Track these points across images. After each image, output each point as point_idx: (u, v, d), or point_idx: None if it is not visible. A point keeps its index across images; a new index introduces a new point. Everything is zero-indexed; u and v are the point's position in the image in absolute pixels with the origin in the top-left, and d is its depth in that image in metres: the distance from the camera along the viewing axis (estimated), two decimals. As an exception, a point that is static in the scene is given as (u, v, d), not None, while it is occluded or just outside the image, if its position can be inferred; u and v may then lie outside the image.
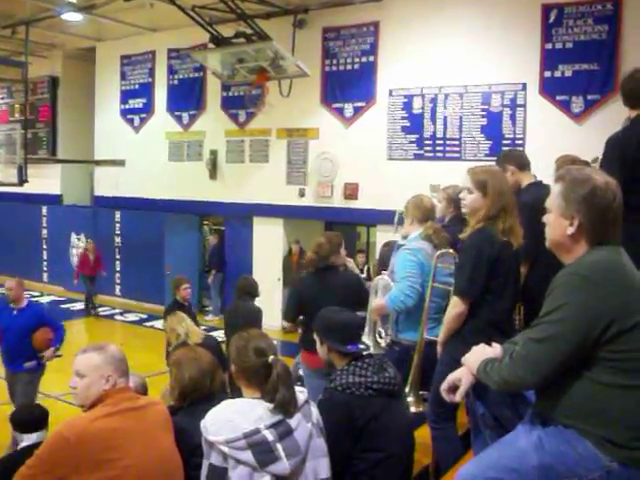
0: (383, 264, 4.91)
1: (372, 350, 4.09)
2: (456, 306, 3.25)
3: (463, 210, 3.41)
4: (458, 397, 2.27)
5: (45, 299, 14.56)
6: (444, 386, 2.31)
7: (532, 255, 4.01)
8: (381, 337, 4.27)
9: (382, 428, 2.86)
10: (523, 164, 4.22)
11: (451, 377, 2.29)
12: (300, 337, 5.27)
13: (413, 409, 3.68)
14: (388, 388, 2.92)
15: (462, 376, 2.25)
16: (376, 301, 4.23)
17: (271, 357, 2.60)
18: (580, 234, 2.04)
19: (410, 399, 3.72)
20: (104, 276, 13.36)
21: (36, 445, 2.87)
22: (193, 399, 3.06)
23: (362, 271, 11.09)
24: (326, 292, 4.58)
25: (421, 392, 3.81)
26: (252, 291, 6.66)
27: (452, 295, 3.35)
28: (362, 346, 3.06)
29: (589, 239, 2.04)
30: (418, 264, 4.00)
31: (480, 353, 2.24)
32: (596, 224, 2.02)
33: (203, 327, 7.79)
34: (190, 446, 2.76)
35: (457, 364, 2.33)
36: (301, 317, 4.94)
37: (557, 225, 2.09)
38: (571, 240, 2.06)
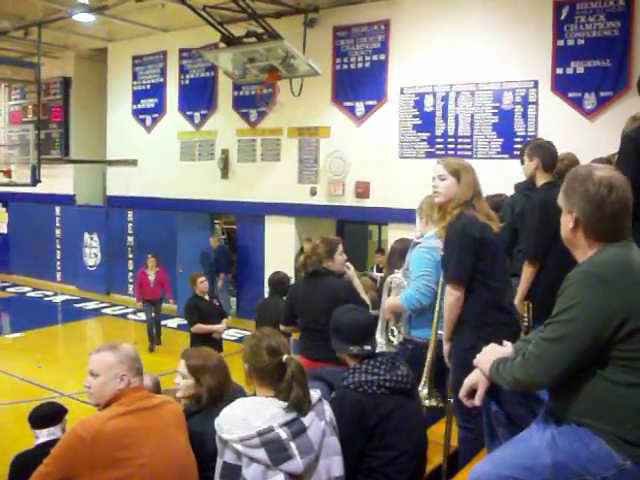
0: (393, 260, 4.87)
1: (384, 348, 4.10)
2: (451, 294, 3.24)
3: (436, 199, 3.41)
4: (477, 401, 2.26)
5: (58, 298, 14.68)
6: (462, 393, 2.31)
7: (542, 255, 4.00)
8: (393, 335, 4.27)
9: (394, 426, 2.86)
10: (548, 164, 4.21)
11: (467, 382, 2.29)
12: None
13: (427, 403, 3.67)
14: (400, 386, 2.92)
15: (478, 379, 2.25)
16: (389, 300, 4.22)
17: (285, 356, 2.61)
18: (577, 228, 2.04)
19: (424, 392, 3.70)
20: (170, 303, 11.52)
21: (52, 442, 2.90)
22: (215, 400, 3.04)
23: (381, 270, 11.05)
24: (313, 298, 4.53)
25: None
26: (284, 288, 6.47)
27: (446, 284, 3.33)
28: (367, 347, 3.02)
29: (589, 234, 2.03)
30: (434, 262, 3.97)
31: (491, 353, 2.24)
32: (591, 218, 2.01)
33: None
34: (210, 450, 2.69)
35: (468, 352, 2.32)
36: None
37: (563, 221, 2.10)
38: (572, 235, 2.06)
